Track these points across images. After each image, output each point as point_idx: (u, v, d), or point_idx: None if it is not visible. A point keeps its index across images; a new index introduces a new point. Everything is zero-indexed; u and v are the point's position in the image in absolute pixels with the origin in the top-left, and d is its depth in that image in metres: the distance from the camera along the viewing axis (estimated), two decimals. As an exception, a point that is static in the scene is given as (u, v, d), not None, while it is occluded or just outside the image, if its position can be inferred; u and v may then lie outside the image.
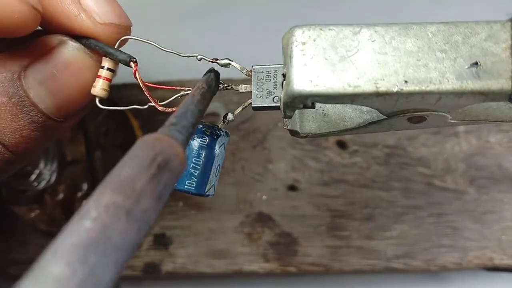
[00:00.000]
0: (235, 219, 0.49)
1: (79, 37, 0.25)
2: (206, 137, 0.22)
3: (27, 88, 0.24)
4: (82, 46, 0.25)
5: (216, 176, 0.22)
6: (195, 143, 0.22)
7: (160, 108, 0.23)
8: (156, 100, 0.23)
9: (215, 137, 0.22)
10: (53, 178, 0.49)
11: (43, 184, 0.48)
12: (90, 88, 0.25)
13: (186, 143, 0.18)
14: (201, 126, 0.22)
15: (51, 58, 0.24)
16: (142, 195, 0.15)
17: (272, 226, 0.49)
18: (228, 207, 0.50)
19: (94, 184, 0.45)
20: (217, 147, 0.22)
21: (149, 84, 0.24)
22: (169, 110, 0.23)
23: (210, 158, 0.22)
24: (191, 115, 0.19)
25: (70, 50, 0.24)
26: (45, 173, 0.49)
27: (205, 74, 0.24)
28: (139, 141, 0.17)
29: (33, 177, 0.49)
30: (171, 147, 0.17)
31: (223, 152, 0.23)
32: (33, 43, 0.24)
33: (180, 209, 0.50)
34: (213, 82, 0.23)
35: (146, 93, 0.23)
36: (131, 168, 0.15)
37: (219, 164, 0.22)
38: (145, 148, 0.16)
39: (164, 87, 0.25)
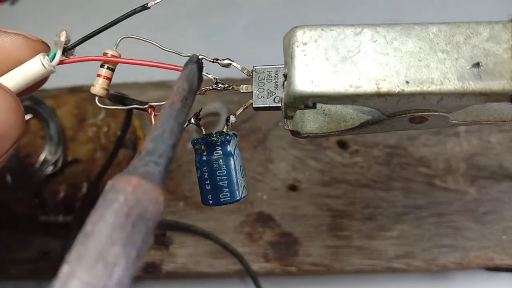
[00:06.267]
0: (235, 219, 0.49)
1: None
2: (219, 147, 0.21)
3: None
4: None
5: (242, 177, 0.22)
6: (212, 158, 0.21)
7: None
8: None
9: (227, 143, 0.22)
10: (60, 163, 0.49)
11: (50, 169, 0.49)
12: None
13: (165, 173, 0.15)
14: (210, 138, 0.22)
15: None
16: (116, 266, 0.13)
17: (273, 226, 0.49)
18: (229, 207, 0.49)
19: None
20: (232, 151, 0.22)
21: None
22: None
23: (230, 165, 0.22)
24: (169, 135, 0.16)
25: None
26: (51, 159, 0.49)
27: (185, 66, 0.20)
28: (109, 193, 0.14)
29: (38, 164, 0.49)
30: (147, 193, 0.14)
31: (239, 152, 0.22)
32: None
33: (181, 209, 0.50)
34: (196, 79, 0.19)
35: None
36: (101, 236, 0.13)
37: (240, 165, 0.22)
38: (116, 204, 0.13)
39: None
